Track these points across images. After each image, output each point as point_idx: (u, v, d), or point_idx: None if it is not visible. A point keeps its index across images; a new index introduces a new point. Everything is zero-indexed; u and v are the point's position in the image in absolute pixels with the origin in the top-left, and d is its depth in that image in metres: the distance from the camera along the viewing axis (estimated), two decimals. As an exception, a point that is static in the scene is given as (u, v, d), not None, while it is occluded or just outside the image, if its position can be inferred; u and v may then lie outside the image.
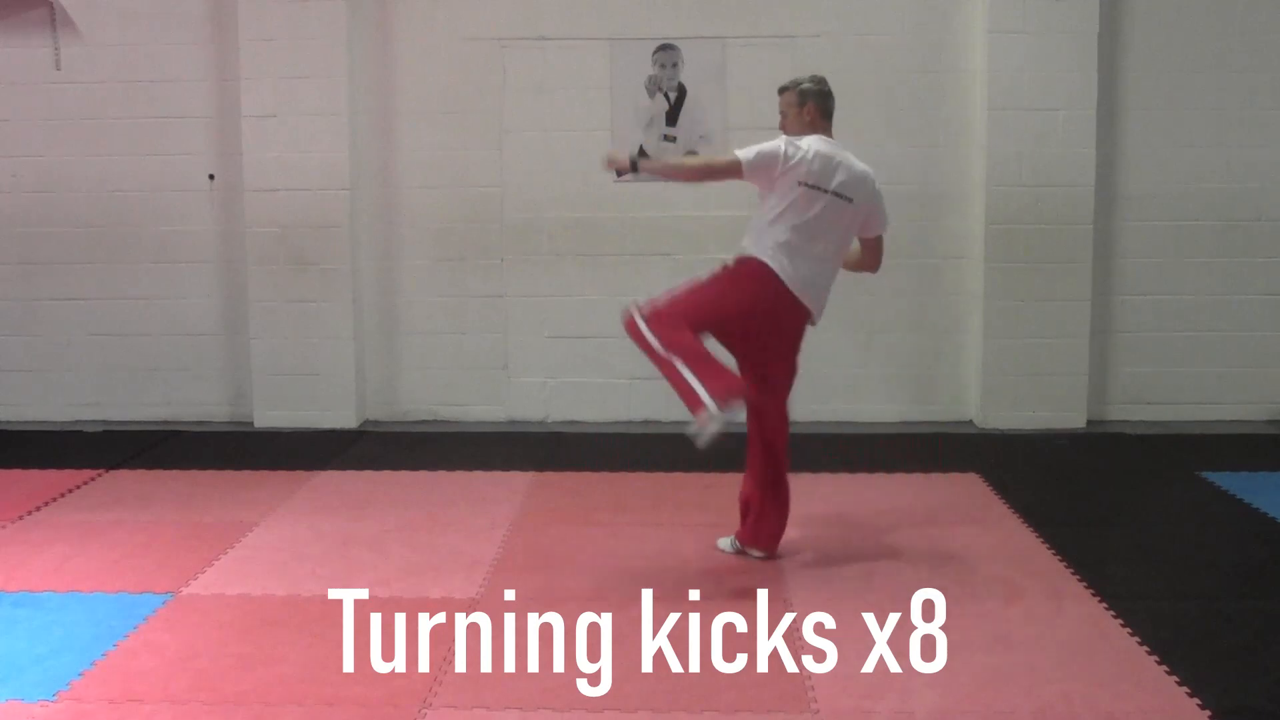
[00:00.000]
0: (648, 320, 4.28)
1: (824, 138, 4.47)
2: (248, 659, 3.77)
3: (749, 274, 4.40)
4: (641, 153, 4.57)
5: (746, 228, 4.54)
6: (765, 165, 4.38)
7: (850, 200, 4.41)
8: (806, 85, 4.53)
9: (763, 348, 4.50)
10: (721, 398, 4.10)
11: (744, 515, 4.70)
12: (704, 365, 4.19)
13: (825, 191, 4.37)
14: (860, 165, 4.48)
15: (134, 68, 6.92)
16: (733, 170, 4.43)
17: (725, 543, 4.76)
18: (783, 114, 4.59)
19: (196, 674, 3.66)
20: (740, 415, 4.32)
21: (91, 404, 7.18)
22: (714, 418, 4.09)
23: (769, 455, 4.58)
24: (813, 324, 4.54)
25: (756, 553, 4.65)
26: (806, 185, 4.36)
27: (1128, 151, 6.82)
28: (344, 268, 6.85)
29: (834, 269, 4.52)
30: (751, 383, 4.37)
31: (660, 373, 4.26)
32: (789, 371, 4.59)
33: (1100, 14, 6.59)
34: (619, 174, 4.70)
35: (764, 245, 4.39)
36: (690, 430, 4.15)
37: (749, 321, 4.42)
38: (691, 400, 4.13)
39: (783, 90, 4.59)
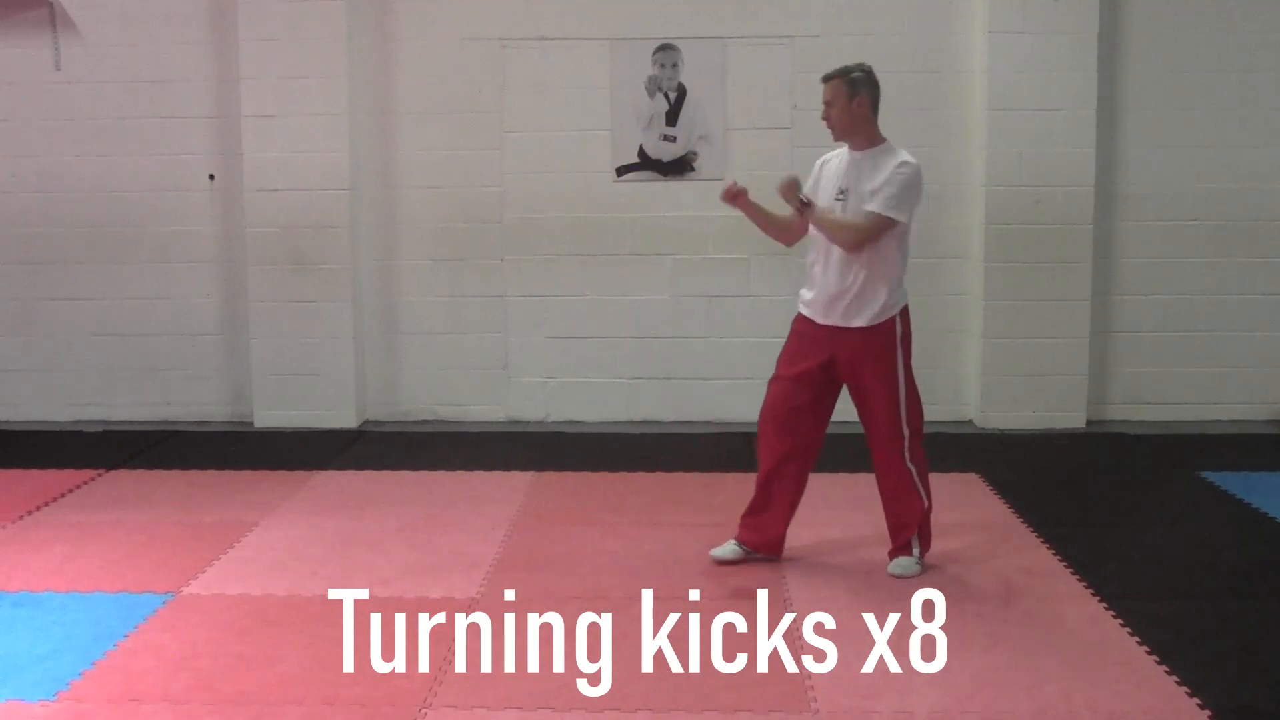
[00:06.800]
0: (917, 467, 4.50)
1: None
2: (248, 659, 3.77)
3: (908, 325, 4.47)
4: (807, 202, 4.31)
5: (859, 259, 4.31)
6: (918, 203, 4.36)
7: None
8: (857, 74, 4.28)
9: None
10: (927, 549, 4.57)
11: (760, 519, 4.57)
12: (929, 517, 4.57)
13: None
14: None
15: (134, 68, 6.92)
16: (886, 228, 4.27)
17: (726, 550, 4.59)
18: (828, 104, 4.32)
19: (196, 674, 3.67)
20: None
21: (91, 404, 7.18)
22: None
23: (811, 461, 4.61)
24: None
25: (763, 555, 4.60)
26: None
27: (1128, 151, 6.81)
28: (344, 268, 6.85)
29: None
30: None
31: (897, 504, 4.54)
32: None
33: (1100, 14, 6.58)
34: (797, 206, 4.30)
35: (895, 290, 4.37)
36: (905, 562, 4.51)
37: None
38: (924, 542, 4.56)
39: (828, 79, 4.32)
